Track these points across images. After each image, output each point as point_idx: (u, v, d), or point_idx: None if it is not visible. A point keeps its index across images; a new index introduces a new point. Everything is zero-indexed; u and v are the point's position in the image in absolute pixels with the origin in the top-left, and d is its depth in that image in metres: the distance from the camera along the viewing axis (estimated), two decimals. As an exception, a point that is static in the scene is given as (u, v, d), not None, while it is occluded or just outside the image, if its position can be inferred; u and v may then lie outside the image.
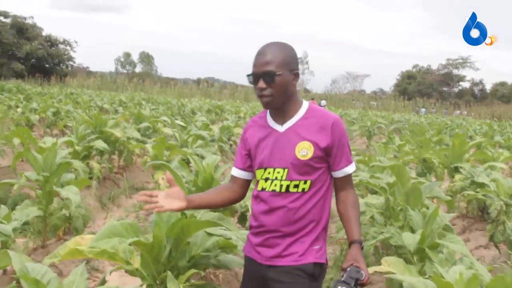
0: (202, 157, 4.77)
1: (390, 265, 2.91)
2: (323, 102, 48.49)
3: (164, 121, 11.10)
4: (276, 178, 2.27)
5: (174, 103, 23.72)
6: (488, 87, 77.26)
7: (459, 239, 3.22)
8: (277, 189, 2.27)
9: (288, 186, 2.26)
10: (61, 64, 62.15)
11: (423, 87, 73.84)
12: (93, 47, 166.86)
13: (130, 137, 8.04)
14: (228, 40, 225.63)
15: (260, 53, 2.26)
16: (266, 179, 2.30)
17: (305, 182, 2.26)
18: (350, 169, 2.35)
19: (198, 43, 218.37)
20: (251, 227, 2.44)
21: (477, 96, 75.85)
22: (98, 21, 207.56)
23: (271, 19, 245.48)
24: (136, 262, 2.58)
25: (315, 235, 2.32)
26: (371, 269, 2.89)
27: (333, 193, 2.42)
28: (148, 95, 39.12)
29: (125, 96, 28.17)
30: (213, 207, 2.52)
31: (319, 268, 2.33)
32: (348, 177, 2.37)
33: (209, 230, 2.69)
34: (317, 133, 2.27)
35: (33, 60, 57.68)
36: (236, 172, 2.47)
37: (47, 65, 58.87)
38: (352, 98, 60.28)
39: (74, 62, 65.05)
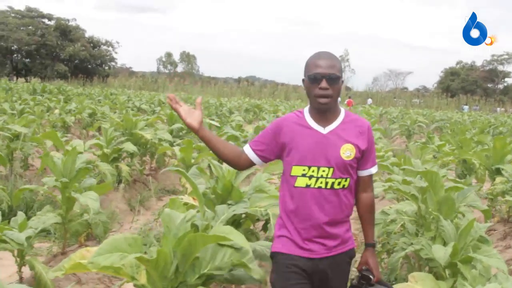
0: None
1: (418, 281, 2.70)
2: (369, 101, 47.89)
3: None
4: (321, 176, 2.47)
5: (213, 103, 23.64)
6: (535, 82, 75.01)
7: (495, 252, 2.96)
8: (323, 186, 2.47)
9: (333, 183, 2.48)
10: (103, 65, 63.24)
11: (467, 84, 72.09)
12: (137, 48, 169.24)
13: (162, 139, 7.95)
14: (268, 39, 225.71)
15: (325, 57, 2.49)
16: (311, 177, 2.47)
17: (345, 180, 2.51)
18: (374, 169, 2.65)
19: (239, 43, 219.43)
20: (289, 225, 2.56)
21: (523, 93, 73.78)
22: (142, 22, 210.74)
23: (311, 18, 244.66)
24: (142, 278, 2.43)
25: (349, 225, 2.63)
26: (396, 286, 2.72)
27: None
28: (188, 94, 39.30)
29: (164, 96, 28.29)
30: (216, 153, 2.62)
31: (354, 253, 2.67)
32: (370, 177, 2.67)
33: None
34: (357, 137, 2.53)
35: (76, 61, 58.91)
36: (251, 153, 2.61)
37: (89, 66, 60.07)
38: (394, 96, 59.35)
39: (116, 63, 66.22)
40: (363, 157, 2.57)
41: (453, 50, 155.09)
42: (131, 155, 7.50)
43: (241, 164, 2.65)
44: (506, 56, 72.67)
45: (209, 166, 7.10)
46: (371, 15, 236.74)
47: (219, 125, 11.41)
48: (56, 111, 13.42)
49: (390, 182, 4.62)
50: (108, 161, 6.77)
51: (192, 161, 6.06)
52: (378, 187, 4.60)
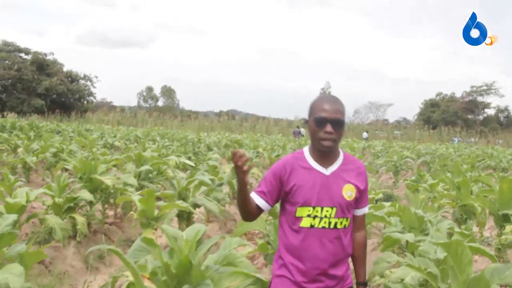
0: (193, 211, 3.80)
1: None
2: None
3: (167, 160, 10.13)
4: (325, 216, 2.55)
5: (190, 138, 22.77)
6: (514, 113, 75.39)
7: None
8: (327, 226, 2.55)
9: (336, 223, 2.57)
10: (82, 100, 62.20)
11: (448, 115, 72.24)
12: (118, 82, 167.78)
13: (127, 184, 7.07)
14: (249, 71, 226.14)
15: (330, 101, 2.58)
16: (315, 217, 2.55)
17: (346, 220, 2.62)
18: (367, 209, 2.79)
19: (220, 75, 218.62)
20: (290, 265, 2.60)
21: (503, 123, 74.02)
22: (123, 56, 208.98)
23: (293, 49, 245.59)
24: None
25: (348, 264, 2.71)
26: None
27: None
28: (167, 129, 38.46)
29: (141, 132, 27.38)
30: (244, 202, 2.58)
31: None
32: (364, 216, 2.79)
33: None
34: (356, 177, 2.65)
35: (53, 96, 57.74)
36: (260, 201, 2.62)
37: (67, 101, 58.88)
38: (376, 129, 58.97)
39: (94, 97, 65.30)
40: (361, 197, 2.68)
41: (432, 82, 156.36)
42: (90, 203, 6.60)
43: (256, 215, 2.68)
44: (485, 87, 73.18)
45: (179, 218, 6.30)
46: (351, 48, 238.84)
47: (194, 165, 10.55)
48: (20, 150, 12.47)
49: (398, 258, 3.78)
50: (62, 212, 5.88)
51: (156, 212, 5.18)
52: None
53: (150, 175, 8.65)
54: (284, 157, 2.73)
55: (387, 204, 6.33)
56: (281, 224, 2.71)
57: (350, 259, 2.73)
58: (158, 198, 6.32)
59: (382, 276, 3.71)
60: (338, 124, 2.52)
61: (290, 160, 2.65)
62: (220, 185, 7.82)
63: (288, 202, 2.62)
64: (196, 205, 6.32)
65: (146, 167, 8.09)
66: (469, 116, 75.52)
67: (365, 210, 2.75)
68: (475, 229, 7.13)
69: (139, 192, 6.46)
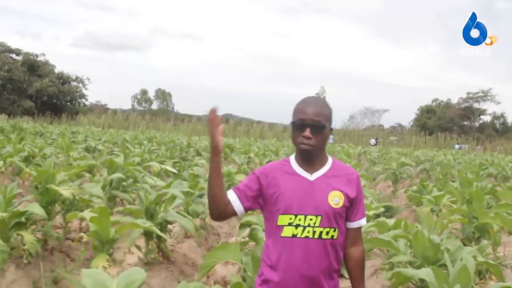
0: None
1: None
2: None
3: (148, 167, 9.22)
4: (309, 225, 2.36)
5: (178, 142, 21.83)
6: (510, 120, 74.87)
7: None
8: (310, 236, 2.36)
9: (321, 233, 2.37)
10: (73, 102, 61.07)
11: (444, 121, 71.65)
12: (113, 85, 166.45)
13: (93, 195, 6.15)
14: (245, 76, 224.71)
15: (311, 104, 2.43)
16: (297, 226, 2.36)
17: (334, 230, 2.40)
18: (363, 221, 2.55)
19: (216, 80, 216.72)
20: (272, 280, 2.41)
21: (498, 130, 73.52)
22: (119, 60, 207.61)
23: (289, 55, 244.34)
24: None
25: (337, 282, 2.49)
26: None
27: None
28: (158, 132, 37.55)
29: (129, 135, 26.40)
30: (214, 188, 2.43)
31: None
32: (360, 229, 2.55)
33: None
34: (345, 184, 2.45)
35: (44, 98, 56.62)
36: (236, 202, 2.46)
37: (58, 103, 57.76)
38: (372, 134, 58.09)
39: (86, 99, 64.04)
40: (352, 207, 2.48)
41: (427, 88, 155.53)
42: (48, 216, 5.69)
43: (227, 214, 2.49)
44: (481, 94, 72.70)
45: (147, 237, 5.38)
46: (346, 53, 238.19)
47: (176, 172, 9.65)
48: (-9, 153, 11.51)
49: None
50: (7, 229, 4.96)
51: (112, 233, 4.26)
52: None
53: (124, 183, 7.72)
54: (270, 163, 2.61)
55: (389, 221, 5.46)
56: (266, 238, 2.54)
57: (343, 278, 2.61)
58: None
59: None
60: (317, 128, 2.38)
61: (274, 166, 2.54)
62: (201, 196, 6.91)
63: (269, 211, 2.46)
64: (167, 222, 5.41)
65: (117, 175, 7.16)
66: (465, 123, 75.03)
67: (361, 222, 2.53)
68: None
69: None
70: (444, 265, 3.79)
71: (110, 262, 3.98)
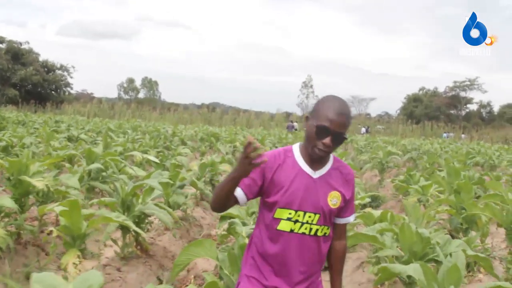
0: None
1: None
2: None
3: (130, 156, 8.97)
4: (307, 222, 2.37)
5: (163, 131, 21.55)
6: (496, 109, 75.11)
7: None
8: (307, 232, 2.38)
9: (317, 231, 2.40)
10: (58, 90, 60.35)
11: (430, 110, 71.80)
12: (100, 74, 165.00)
13: (69, 186, 5.92)
14: (232, 65, 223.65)
15: (342, 113, 2.31)
16: (296, 221, 2.36)
17: (328, 228, 2.45)
18: (352, 218, 2.58)
19: (203, 69, 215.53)
20: (263, 268, 2.43)
21: (485, 119, 73.81)
22: (105, 48, 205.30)
23: (277, 44, 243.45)
24: None
25: (320, 274, 2.55)
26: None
27: None
28: (143, 121, 37.19)
29: (114, 124, 26.06)
30: (222, 197, 2.34)
31: None
32: (345, 225, 2.59)
33: None
34: (343, 185, 2.47)
35: (29, 86, 55.91)
36: (242, 196, 2.39)
37: (42, 91, 57.03)
38: (360, 123, 58.02)
39: (71, 88, 63.30)
40: (345, 206, 2.50)
41: (415, 77, 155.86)
42: (21, 209, 5.46)
43: (230, 206, 2.43)
44: (468, 83, 72.86)
45: (123, 230, 5.16)
46: (333, 42, 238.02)
47: (158, 162, 9.41)
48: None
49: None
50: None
51: (84, 228, 4.03)
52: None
53: (104, 174, 7.48)
54: (272, 151, 2.48)
55: (376, 213, 5.29)
56: (258, 223, 2.52)
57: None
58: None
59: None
60: (339, 138, 2.32)
61: (280, 157, 2.43)
62: (182, 186, 6.70)
63: (268, 200, 2.41)
64: (145, 214, 5.19)
65: (96, 165, 6.91)
66: (452, 111, 75.23)
67: (349, 219, 2.56)
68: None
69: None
70: (433, 260, 3.62)
71: (81, 258, 3.76)
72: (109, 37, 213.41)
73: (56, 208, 3.99)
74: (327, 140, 2.29)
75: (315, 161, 2.41)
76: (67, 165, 8.48)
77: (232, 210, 4.61)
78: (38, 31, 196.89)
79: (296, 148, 2.48)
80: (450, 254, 3.43)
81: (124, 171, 8.22)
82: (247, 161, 2.10)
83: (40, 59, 59.15)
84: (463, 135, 52.63)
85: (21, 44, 57.94)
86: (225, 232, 4.41)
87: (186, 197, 7.37)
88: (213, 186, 9.37)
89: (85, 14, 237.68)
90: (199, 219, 7.73)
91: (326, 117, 2.28)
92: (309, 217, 2.37)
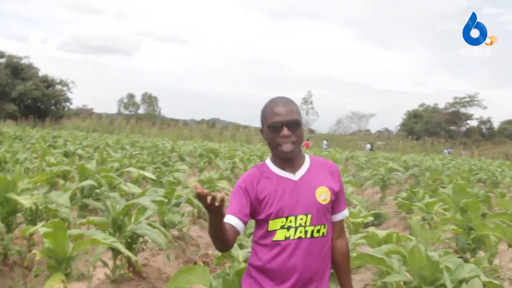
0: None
1: None
2: (325, 143, 46.52)
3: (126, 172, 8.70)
4: (300, 225, 2.32)
5: (162, 147, 21.30)
6: (496, 125, 75.00)
7: None
8: (303, 235, 2.32)
9: (312, 232, 2.34)
10: (58, 105, 60.25)
11: (431, 126, 71.70)
12: (100, 89, 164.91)
13: (59, 204, 5.66)
14: (232, 80, 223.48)
15: (283, 103, 2.39)
16: (289, 228, 2.31)
17: (324, 227, 2.38)
18: (346, 212, 2.54)
19: (203, 84, 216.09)
20: (266, 284, 2.36)
21: (485, 135, 73.71)
22: (106, 64, 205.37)
23: (277, 60, 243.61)
24: None
25: (328, 276, 2.43)
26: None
27: None
28: (142, 137, 36.98)
29: (112, 139, 25.83)
30: (223, 240, 2.27)
31: None
32: (343, 221, 2.55)
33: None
34: (329, 179, 2.44)
35: (28, 101, 55.82)
36: (234, 221, 2.32)
37: (42, 106, 56.90)
38: (358, 139, 57.84)
39: (71, 103, 63.25)
40: (336, 200, 2.46)
41: (414, 93, 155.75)
42: (8, 228, 5.20)
43: (233, 240, 2.33)
44: (468, 99, 72.91)
45: (114, 252, 4.90)
46: (333, 58, 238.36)
47: (155, 178, 9.16)
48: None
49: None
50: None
51: (70, 250, 3.77)
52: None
53: (98, 191, 7.22)
54: (246, 172, 2.51)
55: (380, 233, 5.03)
56: (254, 245, 2.47)
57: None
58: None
59: None
60: (294, 125, 2.36)
61: (255, 173, 2.44)
62: (178, 204, 6.44)
63: (260, 218, 2.38)
64: (138, 235, 4.93)
65: (88, 182, 6.67)
66: (452, 127, 75.14)
67: (344, 213, 2.54)
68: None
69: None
70: (443, 286, 3.36)
71: (66, 283, 3.50)
72: (110, 52, 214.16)
73: (41, 229, 3.74)
74: (284, 131, 2.33)
75: (290, 163, 2.41)
76: (61, 181, 8.23)
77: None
78: (39, 46, 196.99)
79: (268, 161, 2.50)
80: (464, 281, 3.19)
81: (119, 188, 7.98)
82: (211, 206, 2.04)
83: (40, 74, 59.17)
84: (463, 152, 52.40)
85: (20, 58, 58.05)
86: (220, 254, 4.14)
87: (182, 215, 7.11)
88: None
89: (85, 30, 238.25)
90: (196, 238, 7.46)
91: (273, 113, 2.36)
92: (301, 219, 2.33)
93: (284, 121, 2.33)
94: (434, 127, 71.72)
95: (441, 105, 77.34)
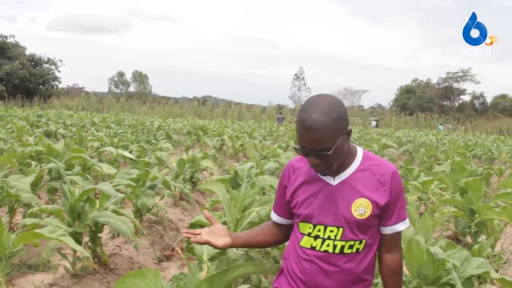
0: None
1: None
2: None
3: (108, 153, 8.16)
4: (329, 238, 2.01)
5: (148, 125, 20.71)
6: (489, 100, 74.69)
7: None
8: (330, 250, 2.01)
9: (342, 247, 2.01)
10: (46, 84, 59.22)
11: (423, 101, 71.33)
12: (91, 68, 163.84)
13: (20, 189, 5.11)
14: (224, 58, 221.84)
15: (310, 128, 1.86)
16: (316, 237, 2.03)
17: (360, 242, 2.02)
18: (400, 226, 2.07)
19: (194, 62, 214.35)
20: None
21: (478, 110, 73.44)
22: (96, 42, 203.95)
23: (268, 36, 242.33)
24: None
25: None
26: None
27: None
28: (134, 115, 36.37)
29: (98, 118, 25.18)
30: (259, 246, 2.34)
31: None
32: (397, 235, 2.09)
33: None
34: (375, 189, 2.00)
35: (15, 81, 54.77)
36: (277, 218, 2.24)
37: (30, 86, 55.86)
38: (351, 115, 57.29)
39: (59, 82, 62.16)
40: (385, 213, 2.01)
41: (407, 69, 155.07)
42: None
43: (284, 235, 2.26)
44: (461, 74, 72.44)
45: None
46: (325, 34, 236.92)
47: (133, 158, 8.60)
48: None
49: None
50: None
51: (10, 246, 3.23)
52: None
53: (69, 172, 6.67)
54: (292, 161, 2.19)
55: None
56: (292, 234, 2.19)
57: None
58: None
59: None
60: (322, 155, 1.89)
61: (295, 164, 2.14)
62: (153, 187, 5.90)
63: (294, 212, 2.11)
64: (98, 224, 4.38)
65: (53, 164, 6.08)
66: (445, 103, 74.81)
67: (396, 227, 2.04)
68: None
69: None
70: (448, 284, 2.85)
71: (5, 285, 2.97)
72: (100, 31, 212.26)
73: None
74: (311, 159, 1.95)
75: None
76: (34, 163, 7.67)
77: (203, 218, 3.77)
78: (28, 25, 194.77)
79: None
80: (472, 278, 2.67)
81: (94, 170, 7.46)
82: (200, 243, 2.07)
83: (27, 52, 58.05)
84: (449, 126, 51.85)
85: (6, 37, 56.76)
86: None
87: (163, 197, 6.59)
88: (193, 184, 8.58)
89: (75, 8, 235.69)
90: (176, 221, 6.93)
91: (298, 132, 1.93)
92: (331, 231, 2.01)
93: (308, 150, 1.93)
94: (427, 102, 71.37)
95: (434, 80, 76.93)
